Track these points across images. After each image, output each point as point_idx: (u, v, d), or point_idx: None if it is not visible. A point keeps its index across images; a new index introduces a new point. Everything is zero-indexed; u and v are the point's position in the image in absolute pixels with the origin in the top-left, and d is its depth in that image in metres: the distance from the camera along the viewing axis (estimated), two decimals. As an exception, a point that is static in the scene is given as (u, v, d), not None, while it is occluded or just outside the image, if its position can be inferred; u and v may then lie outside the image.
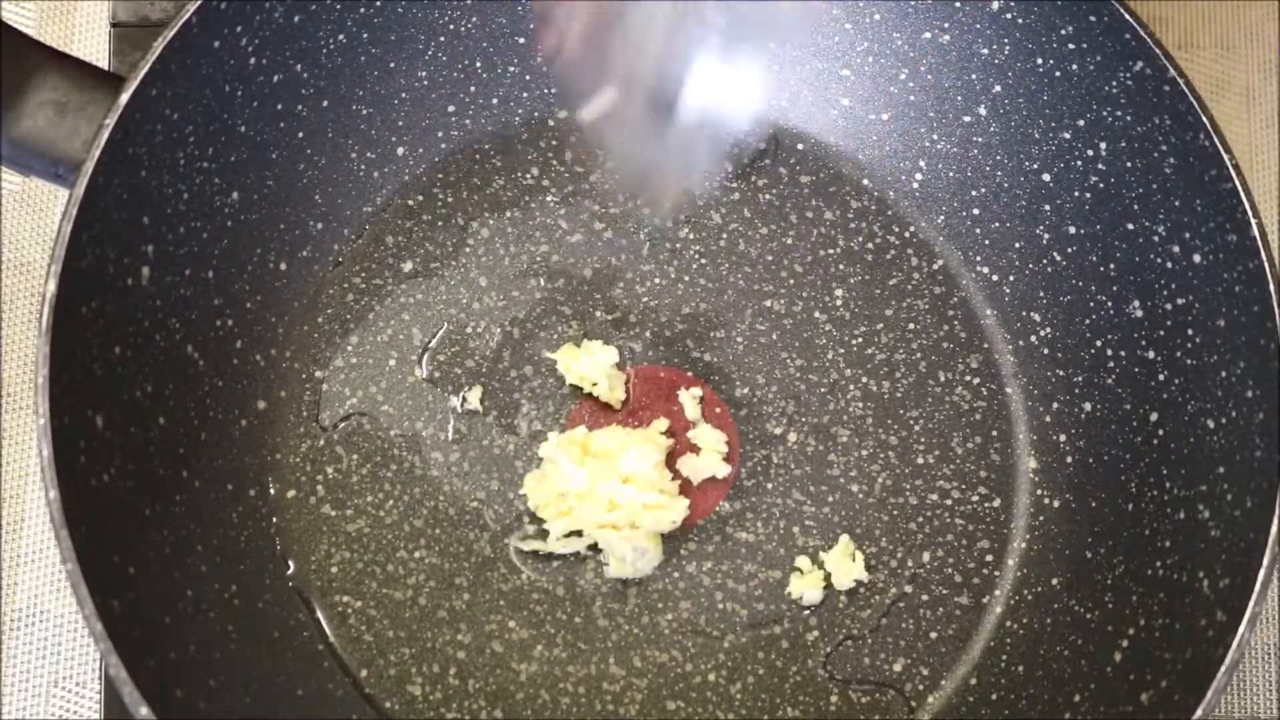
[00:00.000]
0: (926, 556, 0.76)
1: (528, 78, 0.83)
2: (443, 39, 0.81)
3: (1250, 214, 0.68)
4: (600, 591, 0.75)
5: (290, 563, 0.74)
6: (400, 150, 0.81)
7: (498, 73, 0.82)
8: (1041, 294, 0.79)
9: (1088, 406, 0.77)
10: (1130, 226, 0.75)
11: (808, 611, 0.75)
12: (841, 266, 0.82)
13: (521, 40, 0.82)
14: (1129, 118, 0.73)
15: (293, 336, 0.78)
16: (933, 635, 0.75)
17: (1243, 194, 0.68)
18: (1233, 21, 0.91)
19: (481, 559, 0.75)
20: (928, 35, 0.79)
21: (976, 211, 0.81)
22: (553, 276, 0.81)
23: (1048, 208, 0.79)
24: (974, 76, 0.79)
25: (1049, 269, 0.79)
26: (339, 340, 0.78)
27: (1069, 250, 0.78)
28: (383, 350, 0.79)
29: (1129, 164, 0.74)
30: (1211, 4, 0.91)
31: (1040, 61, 0.76)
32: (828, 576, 0.75)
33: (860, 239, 0.82)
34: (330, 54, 0.76)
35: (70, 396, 0.62)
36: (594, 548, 0.75)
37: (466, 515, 0.76)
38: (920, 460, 0.78)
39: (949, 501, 0.78)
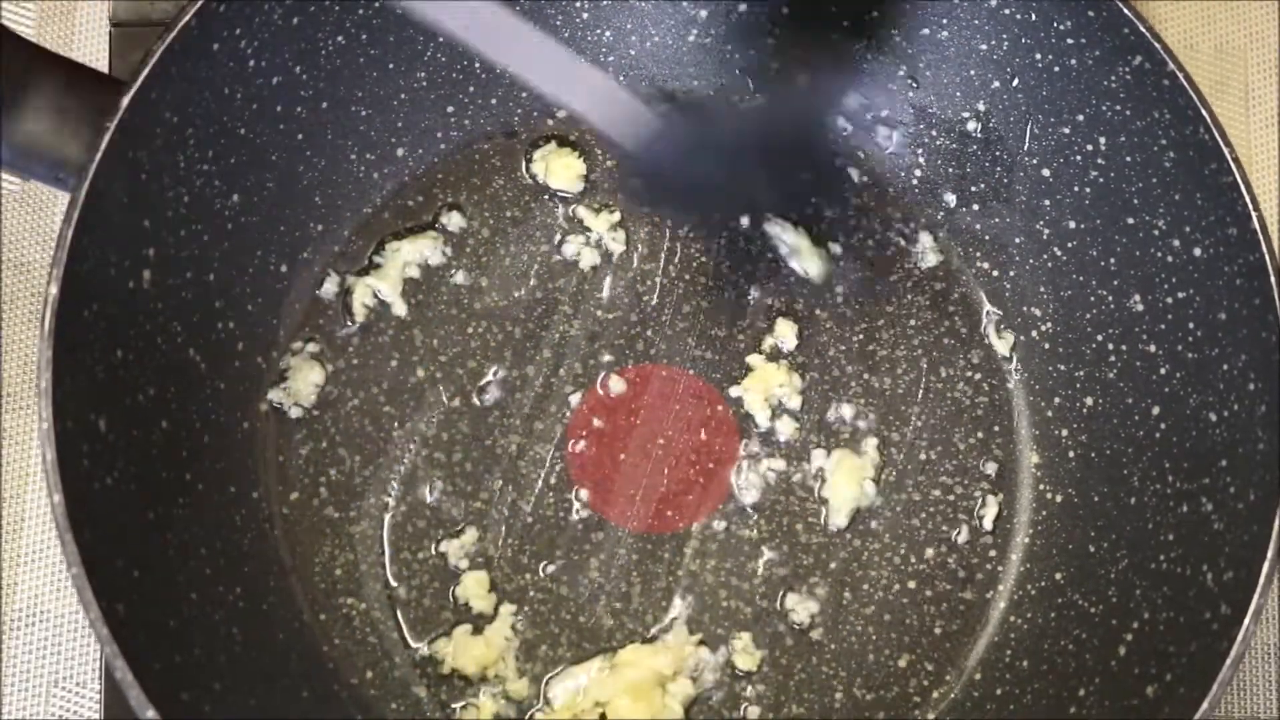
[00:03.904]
0: (930, 552, 0.77)
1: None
2: (442, 39, 0.80)
3: (1250, 207, 0.68)
4: (604, 590, 0.75)
5: (294, 565, 0.74)
6: (400, 151, 0.81)
7: (497, 73, 0.82)
8: (1042, 289, 0.79)
9: (1089, 401, 0.77)
10: (1130, 221, 0.75)
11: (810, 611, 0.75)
12: (842, 264, 0.82)
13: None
14: (1128, 112, 0.73)
15: (293, 338, 0.78)
16: (937, 631, 0.75)
17: (1243, 187, 0.68)
18: (1233, 21, 0.91)
19: (485, 559, 0.75)
20: (926, 31, 0.79)
21: (976, 207, 0.81)
22: (553, 276, 0.81)
23: (1048, 203, 0.79)
24: (973, 72, 0.79)
25: (1049, 264, 0.79)
26: (340, 341, 0.78)
27: (1069, 245, 0.78)
28: (384, 351, 0.78)
29: (1128, 158, 0.74)
30: (1211, 4, 0.91)
31: (1039, 57, 0.76)
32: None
33: (860, 235, 0.82)
34: (329, 55, 0.76)
35: (73, 400, 0.62)
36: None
37: (470, 515, 0.76)
38: (922, 456, 0.78)
39: (951, 497, 0.78)
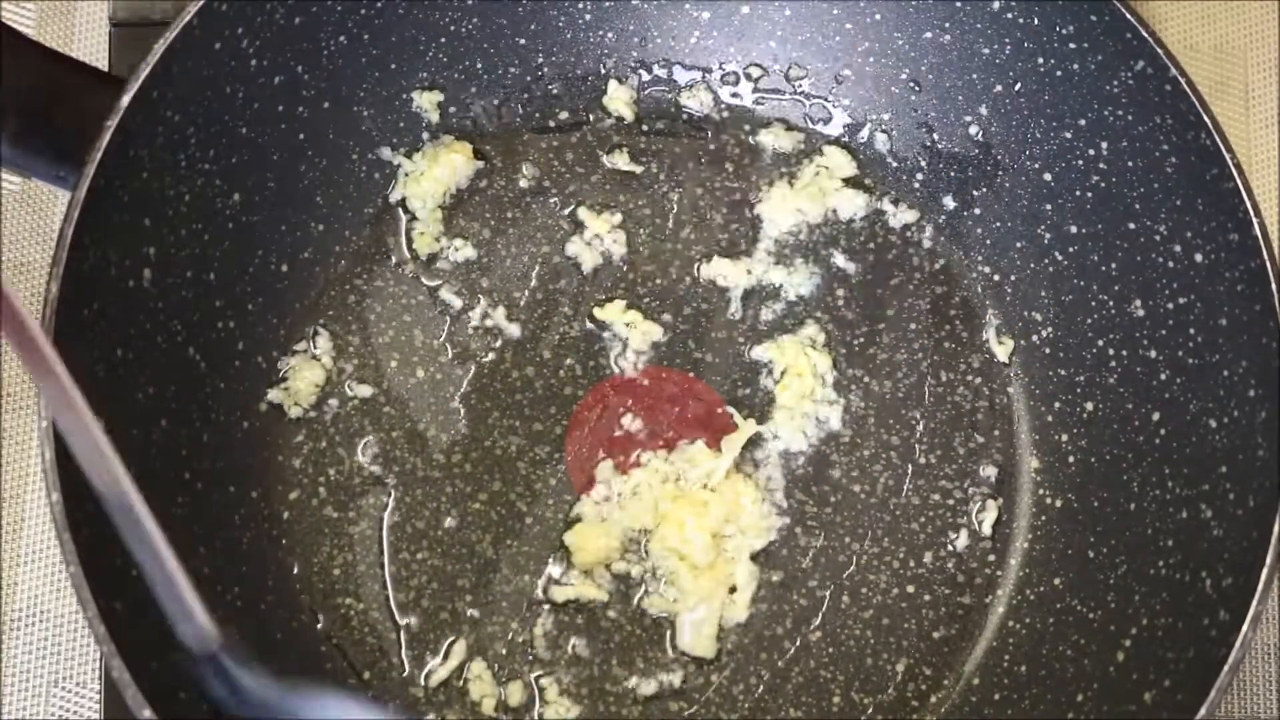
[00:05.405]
0: (928, 557, 0.76)
1: (528, 78, 0.83)
2: (443, 39, 0.81)
3: (1252, 213, 0.68)
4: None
5: (293, 565, 0.74)
6: (401, 151, 0.81)
7: (498, 73, 0.82)
8: (1043, 293, 0.79)
9: (1089, 406, 0.77)
10: (1132, 226, 0.75)
11: (811, 612, 0.75)
12: (843, 266, 0.81)
13: (522, 41, 0.82)
14: (1130, 117, 0.73)
15: (294, 338, 0.78)
16: (935, 635, 0.75)
17: (1244, 193, 0.68)
18: (1233, 21, 0.91)
19: (484, 561, 0.75)
20: (929, 35, 0.79)
21: (978, 211, 0.81)
22: (554, 276, 0.81)
23: (1049, 207, 0.79)
24: (975, 76, 0.79)
25: (1050, 268, 0.79)
26: (340, 342, 0.78)
27: (1070, 250, 0.78)
28: (384, 352, 0.78)
29: (1130, 163, 0.74)
30: (1211, 4, 0.91)
31: (1041, 61, 0.76)
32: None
33: (861, 239, 0.82)
34: (331, 55, 0.76)
35: (72, 399, 0.62)
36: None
37: (469, 517, 0.76)
38: (922, 460, 0.78)
39: (951, 501, 0.78)
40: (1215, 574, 0.67)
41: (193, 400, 0.72)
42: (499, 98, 0.83)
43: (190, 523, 0.69)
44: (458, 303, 0.80)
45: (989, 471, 0.78)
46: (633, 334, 0.79)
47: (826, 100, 0.84)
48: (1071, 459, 0.77)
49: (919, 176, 0.83)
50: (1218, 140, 0.69)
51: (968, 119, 0.80)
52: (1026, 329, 0.80)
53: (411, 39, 0.79)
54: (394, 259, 0.80)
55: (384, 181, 0.81)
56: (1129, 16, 0.71)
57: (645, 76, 0.84)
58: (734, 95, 0.84)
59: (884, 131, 0.83)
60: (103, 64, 0.85)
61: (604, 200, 0.82)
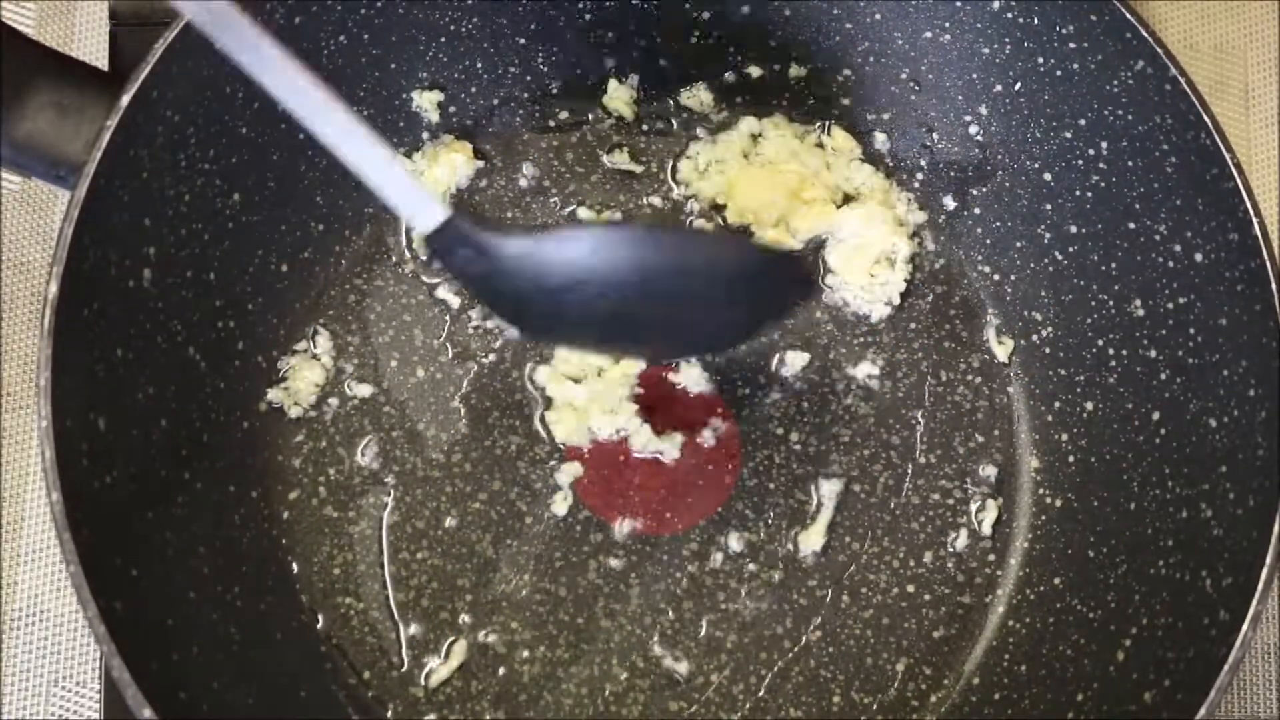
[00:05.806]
0: (929, 556, 0.77)
1: (528, 78, 0.83)
2: (443, 39, 0.81)
3: (1252, 213, 0.67)
4: (602, 592, 0.75)
5: (293, 564, 0.74)
6: (402, 151, 0.81)
7: (498, 73, 0.82)
8: (1043, 293, 0.79)
9: (1089, 405, 0.77)
10: (1132, 225, 0.75)
11: (811, 612, 0.75)
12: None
13: (522, 41, 0.82)
14: (1130, 117, 0.73)
15: (294, 338, 0.78)
16: (935, 635, 0.75)
17: (1244, 193, 0.68)
18: (1232, 21, 0.91)
19: (484, 560, 0.75)
20: (929, 35, 0.79)
21: (978, 211, 0.81)
22: (554, 277, 0.81)
23: (1049, 207, 0.79)
24: (975, 76, 0.79)
25: (1050, 268, 0.79)
26: (340, 342, 0.78)
27: (1070, 249, 0.78)
28: (385, 351, 0.78)
29: (1130, 163, 0.74)
30: (1211, 4, 0.91)
31: (1041, 61, 0.76)
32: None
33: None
34: (331, 55, 0.76)
35: (72, 399, 0.62)
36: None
37: (469, 517, 0.76)
38: (922, 460, 0.78)
39: (951, 501, 0.78)
40: (1215, 574, 0.67)
41: (193, 400, 0.72)
42: (499, 98, 0.83)
43: (190, 522, 0.70)
44: (457, 302, 0.80)
45: (989, 471, 0.78)
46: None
47: (827, 100, 0.83)
48: (1071, 459, 0.77)
49: (919, 176, 0.83)
50: (1218, 140, 0.69)
51: (968, 119, 0.80)
52: (1026, 329, 0.80)
53: (411, 39, 0.79)
54: (394, 259, 0.80)
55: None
56: (1129, 16, 0.71)
57: (645, 76, 0.84)
58: (734, 95, 0.84)
59: (884, 131, 0.83)
60: (103, 64, 0.85)
61: (604, 200, 0.82)
